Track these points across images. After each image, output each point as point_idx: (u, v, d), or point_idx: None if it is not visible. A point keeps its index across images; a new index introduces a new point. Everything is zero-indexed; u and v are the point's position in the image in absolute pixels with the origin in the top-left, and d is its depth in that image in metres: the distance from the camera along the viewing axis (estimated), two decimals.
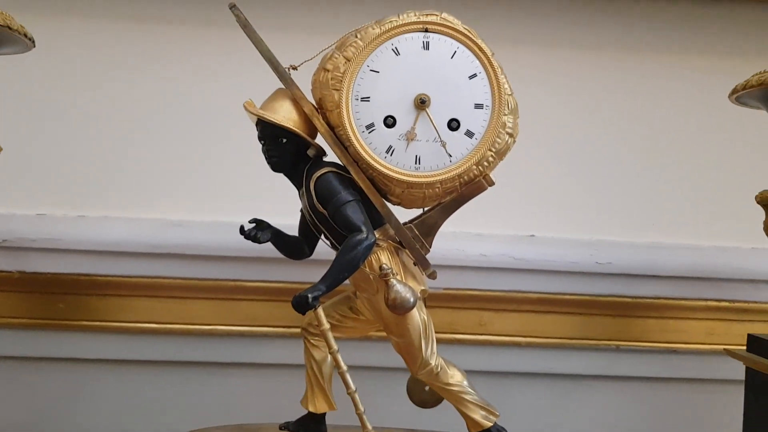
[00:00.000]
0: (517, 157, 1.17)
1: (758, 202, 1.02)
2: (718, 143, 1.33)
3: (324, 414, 0.98)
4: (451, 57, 0.89)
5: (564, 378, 1.32)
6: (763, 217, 1.04)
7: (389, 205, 0.92)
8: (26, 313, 1.25)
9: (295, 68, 0.92)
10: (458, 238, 1.27)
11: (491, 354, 1.30)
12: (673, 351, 1.31)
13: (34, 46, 0.98)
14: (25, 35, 0.94)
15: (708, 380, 1.30)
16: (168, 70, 1.31)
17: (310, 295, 0.85)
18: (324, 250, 0.96)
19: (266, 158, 0.93)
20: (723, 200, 1.33)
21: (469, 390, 0.92)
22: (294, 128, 0.90)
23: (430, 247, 0.92)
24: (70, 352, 1.27)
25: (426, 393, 0.98)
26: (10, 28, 0.90)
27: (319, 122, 0.91)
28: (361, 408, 0.87)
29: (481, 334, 1.29)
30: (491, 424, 0.92)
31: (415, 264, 0.92)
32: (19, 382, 1.27)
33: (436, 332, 1.22)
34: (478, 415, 0.91)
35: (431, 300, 1.24)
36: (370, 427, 0.87)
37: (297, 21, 1.30)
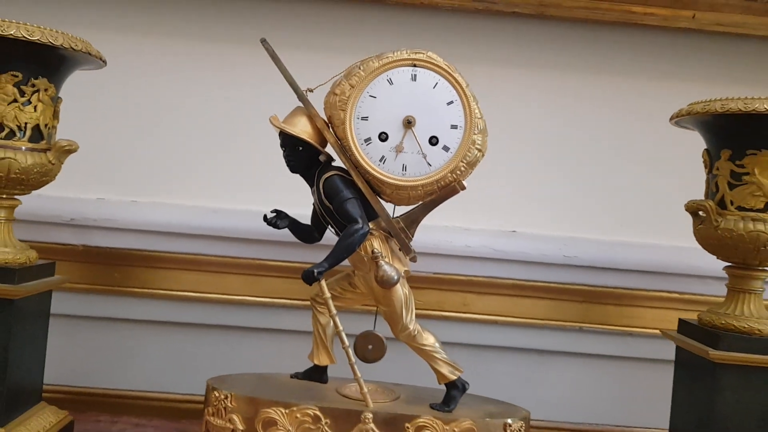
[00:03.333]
0: (503, 166, 1.38)
1: (686, 210, 1.22)
2: (679, 157, 1.50)
3: (326, 366, 1.19)
4: (434, 87, 1.09)
5: (534, 353, 1.51)
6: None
7: (382, 202, 1.13)
8: (87, 279, 1.46)
9: (311, 91, 1.13)
10: (448, 231, 1.47)
11: (473, 330, 1.50)
12: (630, 334, 1.50)
13: (105, 65, 1.20)
14: (100, 58, 1.17)
15: (658, 360, 1.47)
16: (213, 85, 1.51)
17: (315, 270, 1.06)
18: (332, 238, 1.14)
19: (286, 162, 1.13)
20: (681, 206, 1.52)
21: (440, 350, 1.12)
22: (308, 139, 1.11)
23: (413, 236, 1.13)
24: (123, 313, 1.47)
25: (368, 351, 1.15)
26: (89, 54, 1.13)
27: (329, 135, 1.12)
28: (353, 359, 1.09)
29: (465, 313, 1.49)
30: (456, 378, 1.12)
31: (400, 249, 1.13)
32: (80, 337, 1.48)
33: (426, 310, 1.45)
34: (445, 370, 1.12)
35: (423, 282, 1.46)
36: (359, 374, 1.09)
37: (319, 41, 1.51)
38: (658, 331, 1.47)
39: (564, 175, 1.55)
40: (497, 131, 1.26)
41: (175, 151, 1.52)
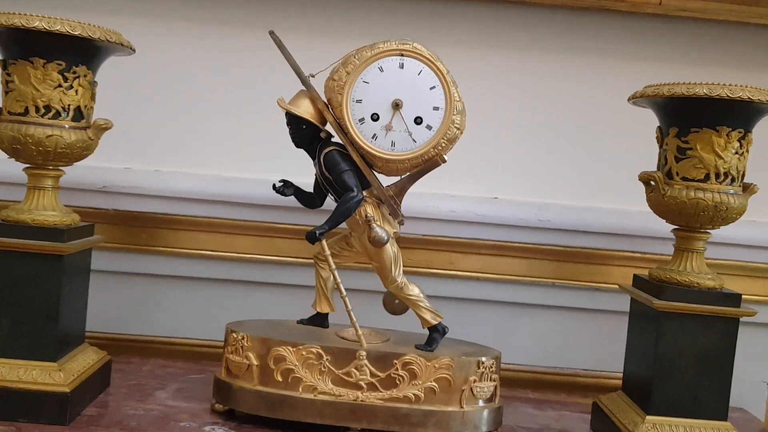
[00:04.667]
0: (485, 140, 1.54)
1: (639, 180, 1.39)
2: (641, 132, 1.56)
3: (327, 313, 1.36)
4: (418, 74, 1.25)
5: (512, 305, 1.69)
6: None
7: (374, 173, 1.29)
8: (118, 239, 1.61)
9: (313, 76, 1.29)
10: (435, 198, 1.64)
11: (458, 285, 1.67)
12: (596, 289, 1.67)
13: (135, 53, 1.37)
14: (130, 47, 1.34)
15: (620, 312, 1.58)
16: (227, 68, 1.65)
17: (317, 232, 1.24)
18: (331, 204, 1.31)
19: (291, 138, 1.30)
20: None
21: (423, 299, 1.30)
22: (311, 119, 1.27)
23: (401, 203, 1.30)
24: (150, 269, 1.64)
25: (396, 305, 1.34)
26: (121, 44, 1.30)
27: (328, 115, 1.28)
28: (350, 306, 1.27)
29: (451, 270, 1.66)
30: (437, 322, 1.30)
31: (390, 214, 1.30)
32: (113, 290, 1.63)
33: (416, 267, 1.62)
34: (428, 316, 1.30)
35: (413, 243, 1.63)
36: (355, 319, 1.28)
37: (325, 25, 1.67)
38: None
39: (540, 148, 1.71)
40: (480, 108, 1.44)
41: (194, 126, 1.68)
